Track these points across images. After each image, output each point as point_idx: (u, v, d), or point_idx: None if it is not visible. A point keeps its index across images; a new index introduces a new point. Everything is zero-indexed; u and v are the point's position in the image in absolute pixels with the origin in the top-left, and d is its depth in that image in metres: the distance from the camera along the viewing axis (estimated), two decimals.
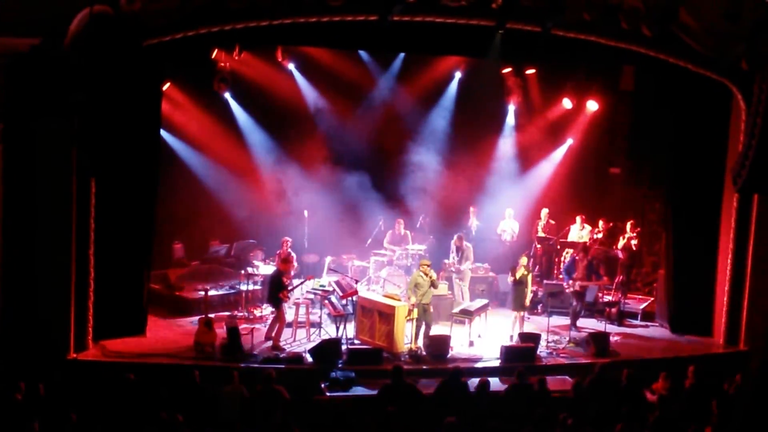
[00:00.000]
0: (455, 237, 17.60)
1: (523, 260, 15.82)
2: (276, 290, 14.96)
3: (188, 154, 18.74)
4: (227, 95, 18.77)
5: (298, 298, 16.01)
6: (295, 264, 16.58)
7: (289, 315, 15.62)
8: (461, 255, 17.24)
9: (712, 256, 16.13)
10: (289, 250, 16.55)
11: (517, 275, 15.60)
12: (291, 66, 19.04)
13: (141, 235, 14.79)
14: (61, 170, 13.33)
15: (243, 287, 16.86)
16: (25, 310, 13.27)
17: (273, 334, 14.93)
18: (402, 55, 19.30)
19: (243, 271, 17.14)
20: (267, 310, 16.37)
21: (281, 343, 14.78)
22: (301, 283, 15.88)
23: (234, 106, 19.05)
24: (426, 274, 14.86)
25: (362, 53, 19.03)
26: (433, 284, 14.92)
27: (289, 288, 15.18)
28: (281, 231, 17.66)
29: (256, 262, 17.39)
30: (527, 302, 15.72)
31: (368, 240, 18.51)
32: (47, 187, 13.30)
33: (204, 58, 17.47)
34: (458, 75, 20.01)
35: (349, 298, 15.66)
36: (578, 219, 18.92)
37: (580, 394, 11.88)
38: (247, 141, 19.31)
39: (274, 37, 14.98)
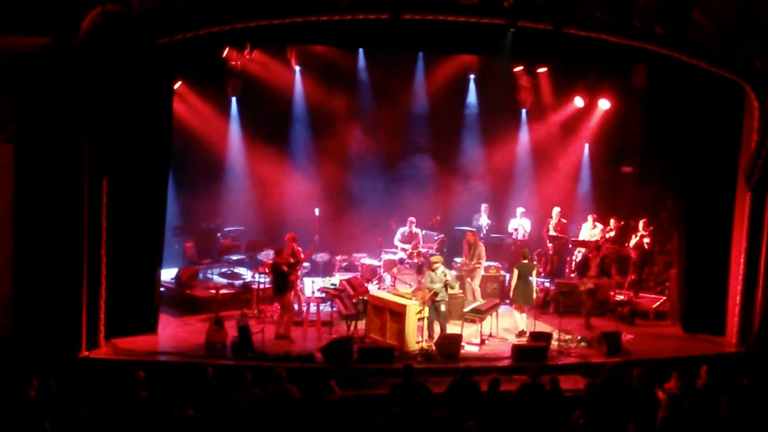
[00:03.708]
0: (468, 233, 17.58)
1: (526, 252, 15.90)
2: (279, 280, 15.00)
3: (199, 153, 18.83)
4: (237, 95, 18.85)
5: (309, 297, 16.02)
6: (302, 255, 16.48)
7: (297, 314, 15.66)
8: (473, 252, 17.19)
9: (725, 255, 16.03)
10: (294, 245, 16.38)
11: (522, 269, 15.66)
12: (297, 68, 19.12)
13: (152, 233, 14.82)
14: (73, 169, 13.36)
15: (254, 286, 16.87)
16: (38, 308, 13.32)
17: (282, 330, 14.96)
18: (411, 54, 19.33)
19: (254, 270, 17.15)
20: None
21: (291, 336, 14.92)
22: (299, 264, 15.74)
23: (244, 105, 19.12)
24: (434, 270, 14.83)
25: (375, 53, 19.07)
26: (448, 285, 14.91)
27: (294, 273, 15.16)
28: (292, 229, 17.64)
29: (267, 261, 17.38)
30: (534, 295, 15.77)
31: (379, 239, 18.51)
32: (59, 186, 13.33)
33: (215, 56, 17.49)
34: (471, 74, 20.06)
35: (360, 297, 15.66)
36: (590, 218, 18.87)
37: (592, 394, 11.83)
38: (258, 140, 19.36)
39: (284, 35, 15.00)
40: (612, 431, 10.70)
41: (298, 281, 15.99)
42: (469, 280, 17.23)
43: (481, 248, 17.25)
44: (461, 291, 16.88)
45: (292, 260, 15.36)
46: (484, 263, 17.36)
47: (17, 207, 13.21)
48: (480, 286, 17.32)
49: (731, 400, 11.29)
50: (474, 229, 18.22)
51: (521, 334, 15.54)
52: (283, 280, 15.02)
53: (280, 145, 19.63)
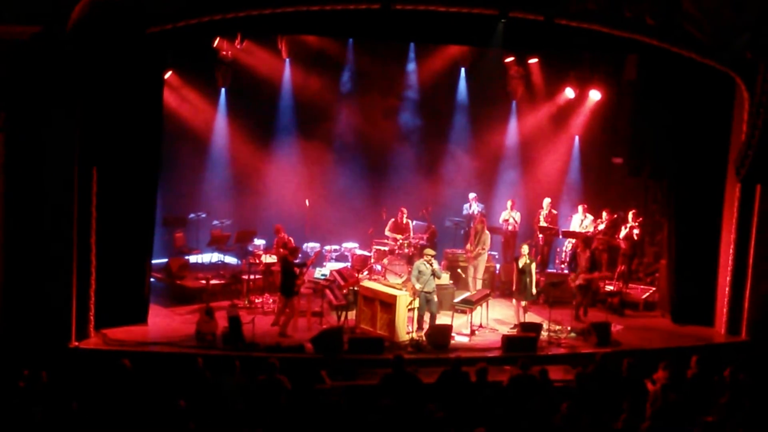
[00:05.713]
0: (478, 215, 17.60)
1: (525, 249, 15.82)
2: (288, 280, 14.92)
3: (189, 143, 18.78)
4: (227, 86, 18.81)
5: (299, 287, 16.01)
6: (292, 241, 16.46)
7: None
8: (478, 238, 17.17)
9: (714, 246, 16.11)
10: (282, 235, 16.34)
11: (521, 264, 15.62)
12: (289, 57, 19.08)
13: (143, 223, 14.77)
14: (63, 159, 13.29)
15: (244, 276, 16.85)
16: (28, 298, 13.28)
17: (281, 322, 14.93)
18: (402, 45, 19.33)
19: (244, 260, 17.12)
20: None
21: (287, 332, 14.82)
22: (305, 266, 15.74)
23: (233, 95, 19.06)
24: (428, 263, 14.83)
25: (365, 43, 19.04)
26: (434, 274, 14.89)
27: (300, 277, 15.11)
28: (282, 220, 17.61)
29: (257, 252, 17.36)
30: (534, 291, 15.67)
31: (370, 229, 18.50)
32: (49, 176, 13.28)
33: (206, 46, 17.41)
34: (461, 64, 20.07)
35: (351, 288, 15.65)
36: (580, 208, 18.89)
37: (582, 384, 11.87)
38: (247, 130, 19.33)
39: (276, 25, 15.00)
40: (601, 421, 10.75)
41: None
42: (472, 267, 17.21)
43: (487, 236, 17.27)
44: (450, 282, 16.86)
45: (282, 250, 15.29)
46: (481, 251, 17.32)
47: (7, 197, 13.15)
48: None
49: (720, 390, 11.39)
50: (484, 215, 18.24)
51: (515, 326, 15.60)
52: (292, 282, 14.88)
53: (270, 135, 19.60)
